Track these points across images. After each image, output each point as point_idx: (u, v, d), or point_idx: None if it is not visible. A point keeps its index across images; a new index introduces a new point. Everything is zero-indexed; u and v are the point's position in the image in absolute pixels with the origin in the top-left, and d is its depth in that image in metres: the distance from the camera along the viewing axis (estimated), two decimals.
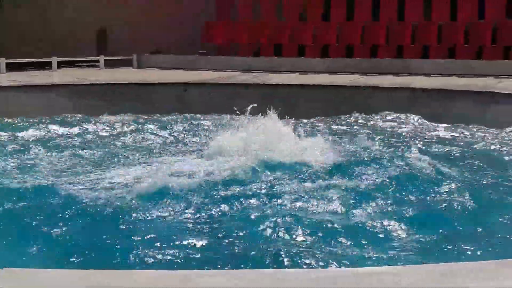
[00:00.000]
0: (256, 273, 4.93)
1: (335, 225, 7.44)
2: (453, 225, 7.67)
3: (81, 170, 10.43)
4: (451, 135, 13.82)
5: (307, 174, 9.56)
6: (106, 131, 13.80)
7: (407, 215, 7.90)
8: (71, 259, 6.44)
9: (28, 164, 10.69)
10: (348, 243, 6.99)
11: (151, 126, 14.18)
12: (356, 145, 12.00)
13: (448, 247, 6.91)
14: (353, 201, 8.47)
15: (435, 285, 3.96)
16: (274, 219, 7.60)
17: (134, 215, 7.86)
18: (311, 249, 6.70)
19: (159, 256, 6.51)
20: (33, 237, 6.99)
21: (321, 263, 6.31)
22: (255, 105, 11.42)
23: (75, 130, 13.81)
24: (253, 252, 6.66)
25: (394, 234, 7.36)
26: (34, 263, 6.22)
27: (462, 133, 14.04)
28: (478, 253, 6.60)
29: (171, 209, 8.10)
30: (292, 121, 11.81)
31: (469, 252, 6.69)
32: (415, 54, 23.76)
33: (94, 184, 9.31)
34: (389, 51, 24.20)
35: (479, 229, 7.48)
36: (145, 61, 24.72)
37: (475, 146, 12.43)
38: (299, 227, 7.31)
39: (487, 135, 13.66)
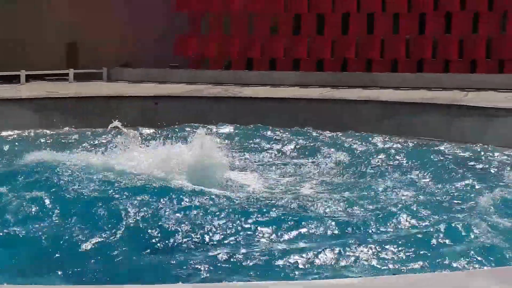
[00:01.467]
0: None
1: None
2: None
3: None
4: (413, 147, 13.97)
5: None
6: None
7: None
8: None
9: None
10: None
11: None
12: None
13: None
14: None
15: None
16: None
17: None
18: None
19: None
20: None
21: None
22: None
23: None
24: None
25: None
26: None
27: (428, 144, 14.17)
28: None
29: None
30: None
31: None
32: (384, 68, 23.97)
33: None
34: (358, 64, 24.38)
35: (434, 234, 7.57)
36: (116, 74, 24.62)
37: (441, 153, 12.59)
38: None
39: (453, 148, 13.82)
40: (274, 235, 7.91)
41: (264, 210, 8.61)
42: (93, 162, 10.85)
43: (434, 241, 7.37)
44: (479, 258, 6.79)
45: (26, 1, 27.23)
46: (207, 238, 7.78)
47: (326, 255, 7.03)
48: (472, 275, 4.51)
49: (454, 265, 6.57)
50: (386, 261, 6.84)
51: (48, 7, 27.52)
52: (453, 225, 7.86)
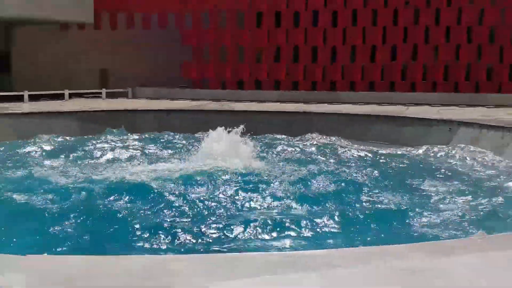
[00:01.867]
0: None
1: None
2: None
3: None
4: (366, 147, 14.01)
5: None
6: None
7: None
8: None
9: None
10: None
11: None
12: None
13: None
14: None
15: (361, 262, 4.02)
16: None
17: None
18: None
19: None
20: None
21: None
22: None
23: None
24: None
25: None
26: None
27: (378, 148, 14.19)
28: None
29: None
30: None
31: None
32: (344, 87, 24.03)
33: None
34: (325, 85, 24.44)
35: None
36: (137, 93, 24.53)
37: (389, 159, 12.60)
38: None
39: (398, 151, 13.85)
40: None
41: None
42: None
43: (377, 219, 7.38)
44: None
45: (70, 38, 27.12)
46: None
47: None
48: (412, 248, 4.51)
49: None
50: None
51: (87, 42, 27.41)
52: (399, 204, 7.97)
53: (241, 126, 11.32)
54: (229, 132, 11.16)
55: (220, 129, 11.27)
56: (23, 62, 25.97)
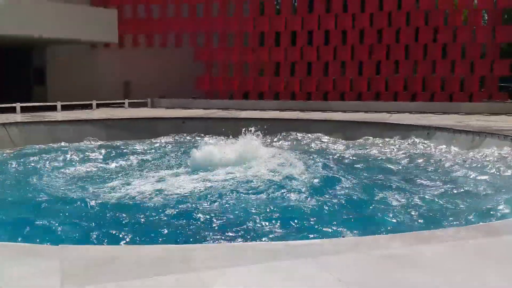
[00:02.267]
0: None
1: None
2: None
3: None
4: (355, 150, 14.02)
5: None
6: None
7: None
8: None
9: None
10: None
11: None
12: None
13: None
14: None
15: (350, 250, 4.06)
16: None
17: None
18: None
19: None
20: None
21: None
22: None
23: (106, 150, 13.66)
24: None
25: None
26: None
27: (364, 150, 14.21)
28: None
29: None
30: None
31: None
32: (335, 98, 24.09)
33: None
34: (318, 95, 24.50)
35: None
36: (156, 103, 24.60)
37: (373, 156, 12.63)
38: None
39: (382, 149, 13.88)
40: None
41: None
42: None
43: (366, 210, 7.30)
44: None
45: (97, 55, 27.20)
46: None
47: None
48: (393, 239, 4.54)
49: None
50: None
51: (112, 59, 27.51)
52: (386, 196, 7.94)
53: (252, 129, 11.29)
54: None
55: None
56: (56, 76, 26.06)
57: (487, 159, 11.42)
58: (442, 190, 8.86)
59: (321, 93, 24.51)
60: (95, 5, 25.73)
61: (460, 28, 23.24)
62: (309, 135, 15.85)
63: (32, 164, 11.40)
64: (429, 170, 10.94)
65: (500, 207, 7.47)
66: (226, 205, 7.58)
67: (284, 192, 8.25)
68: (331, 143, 15.07)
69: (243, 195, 8.06)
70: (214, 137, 11.96)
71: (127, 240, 6.12)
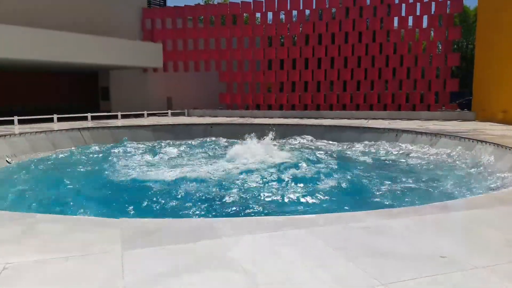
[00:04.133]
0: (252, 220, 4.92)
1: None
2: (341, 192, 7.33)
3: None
4: (341, 149, 13.95)
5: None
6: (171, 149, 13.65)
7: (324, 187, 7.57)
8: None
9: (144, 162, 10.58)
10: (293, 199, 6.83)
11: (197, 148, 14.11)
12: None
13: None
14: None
15: (335, 223, 4.05)
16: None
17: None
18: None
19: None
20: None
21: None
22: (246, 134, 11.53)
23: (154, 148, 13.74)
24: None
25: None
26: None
27: (348, 147, 14.14)
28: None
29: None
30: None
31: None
32: (326, 108, 23.97)
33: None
34: (313, 107, 24.40)
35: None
36: (191, 113, 24.69)
37: (355, 154, 12.54)
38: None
39: (361, 148, 13.80)
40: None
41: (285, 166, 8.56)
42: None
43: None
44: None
45: (147, 77, 27.37)
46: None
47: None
48: (368, 214, 4.52)
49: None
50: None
51: (158, 80, 27.70)
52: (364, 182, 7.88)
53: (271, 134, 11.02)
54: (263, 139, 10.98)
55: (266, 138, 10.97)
56: (118, 93, 26.33)
57: (442, 153, 11.30)
58: (412, 175, 8.82)
59: (315, 105, 24.41)
60: (145, 40, 25.94)
61: (420, 55, 23.01)
62: (307, 136, 15.85)
63: (100, 155, 11.65)
64: (399, 160, 10.89)
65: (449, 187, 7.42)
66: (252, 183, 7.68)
67: (292, 172, 8.42)
68: (321, 142, 15.04)
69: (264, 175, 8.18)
70: (249, 138, 11.41)
71: (183, 208, 6.22)
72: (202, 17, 26.55)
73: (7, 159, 11.06)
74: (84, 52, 19.58)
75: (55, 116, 17.94)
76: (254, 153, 10.12)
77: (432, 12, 22.34)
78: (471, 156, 10.28)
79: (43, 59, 18.16)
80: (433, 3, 22.25)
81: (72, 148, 13.62)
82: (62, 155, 11.94)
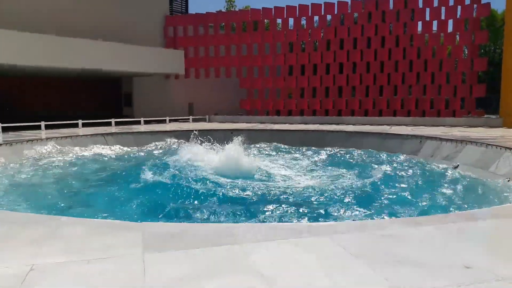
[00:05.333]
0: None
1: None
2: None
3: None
4: (363, 154, 13.77)
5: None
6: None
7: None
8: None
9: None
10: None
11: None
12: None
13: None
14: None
15: (357, 230, 4.00)
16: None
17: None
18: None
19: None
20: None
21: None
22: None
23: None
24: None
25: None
26: None
27: (371, 154, 13.94)
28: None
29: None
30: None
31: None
32: (347, 114, 23.78)
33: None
34: (334, 112, 24.25)
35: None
36: (212, 118, 24.93)
37: (375, 161, 12.36)
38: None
39: (384, 155, 13.58)
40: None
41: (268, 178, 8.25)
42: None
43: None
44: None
45: (170, 83, 27.82)
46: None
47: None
48: (392, 222, 4.45)
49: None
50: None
51: (180, 86, 28.12)
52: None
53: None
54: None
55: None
56: (140, 99, 26.83)
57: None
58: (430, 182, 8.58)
59: (336, 110, 24.24)
60: (168, 48, 26.41)
61: (445, 60, 22.58)
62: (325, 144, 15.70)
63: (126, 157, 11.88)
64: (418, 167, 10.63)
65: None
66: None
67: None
68: (342, 148, 14.88)
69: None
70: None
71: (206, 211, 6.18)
72: (224, 24, 26.85)
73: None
74: (110, 60, 20.11)
75: (80, 122, 18.42)
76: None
77: (458, 16, 21.92)
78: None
79: (67, 67, 18.74)
80: (459, 7, 21.82)
81: None
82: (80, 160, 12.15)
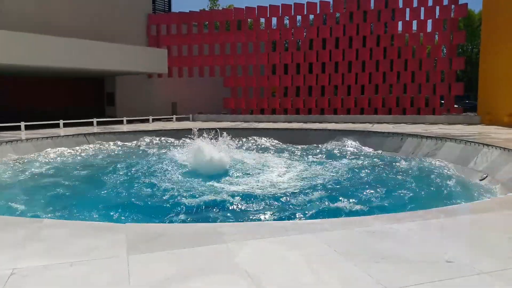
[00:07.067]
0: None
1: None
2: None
3: None
4: (346, 150, 13.87)
5: None
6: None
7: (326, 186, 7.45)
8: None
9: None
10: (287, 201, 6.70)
11: None
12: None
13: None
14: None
15: (342, 227, 4.02)
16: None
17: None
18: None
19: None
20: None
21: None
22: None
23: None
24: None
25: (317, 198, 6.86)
26: None
27: (353, 151, 14.05)
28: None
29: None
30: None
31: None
32: (330, 112, 23.94)
33: None
34: (317, 111, 24.38)
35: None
36: (195, 118, 24.76)
37: (358, 157, 12.47)
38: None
39: (366, 150, 13.70)
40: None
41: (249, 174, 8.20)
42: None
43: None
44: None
45: (152, 82, 27.54)
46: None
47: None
48: (374, 219, 4.50)
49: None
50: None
51: (163, 85, 27.84)
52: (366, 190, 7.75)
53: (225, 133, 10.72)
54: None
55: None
56: (123, 99, 26.46)
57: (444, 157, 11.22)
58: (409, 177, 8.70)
59: (319, 109, 24.38)
60: (151, 46, 26.10)
61: (424, 59, 22.96)
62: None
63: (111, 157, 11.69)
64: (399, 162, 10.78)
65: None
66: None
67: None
68: (324, 145, 14.96)
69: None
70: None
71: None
72: (207, 22, 26.69)
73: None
74: (90, 58, 19.73)
75: (61, 122, 18.05)
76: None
77: (437, 17, 22.33)
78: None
79: (50, 65, 18.33)
80: (437, 8, 22.23)
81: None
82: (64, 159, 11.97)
